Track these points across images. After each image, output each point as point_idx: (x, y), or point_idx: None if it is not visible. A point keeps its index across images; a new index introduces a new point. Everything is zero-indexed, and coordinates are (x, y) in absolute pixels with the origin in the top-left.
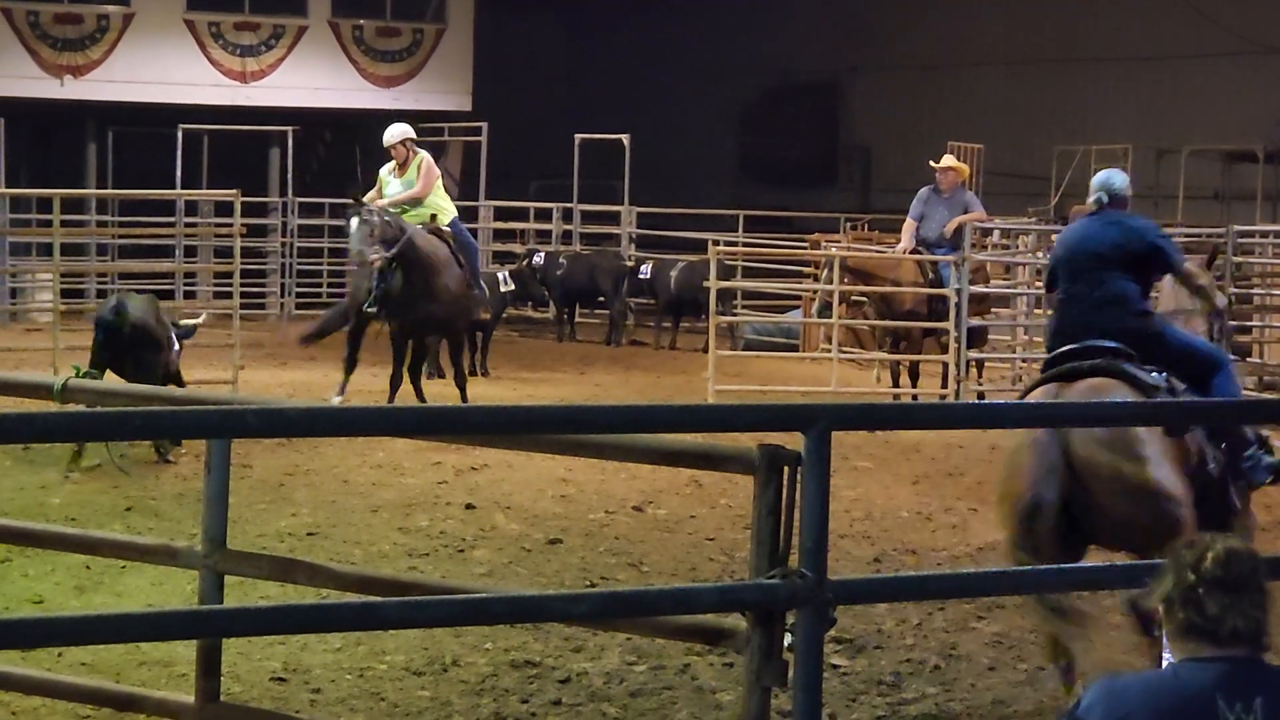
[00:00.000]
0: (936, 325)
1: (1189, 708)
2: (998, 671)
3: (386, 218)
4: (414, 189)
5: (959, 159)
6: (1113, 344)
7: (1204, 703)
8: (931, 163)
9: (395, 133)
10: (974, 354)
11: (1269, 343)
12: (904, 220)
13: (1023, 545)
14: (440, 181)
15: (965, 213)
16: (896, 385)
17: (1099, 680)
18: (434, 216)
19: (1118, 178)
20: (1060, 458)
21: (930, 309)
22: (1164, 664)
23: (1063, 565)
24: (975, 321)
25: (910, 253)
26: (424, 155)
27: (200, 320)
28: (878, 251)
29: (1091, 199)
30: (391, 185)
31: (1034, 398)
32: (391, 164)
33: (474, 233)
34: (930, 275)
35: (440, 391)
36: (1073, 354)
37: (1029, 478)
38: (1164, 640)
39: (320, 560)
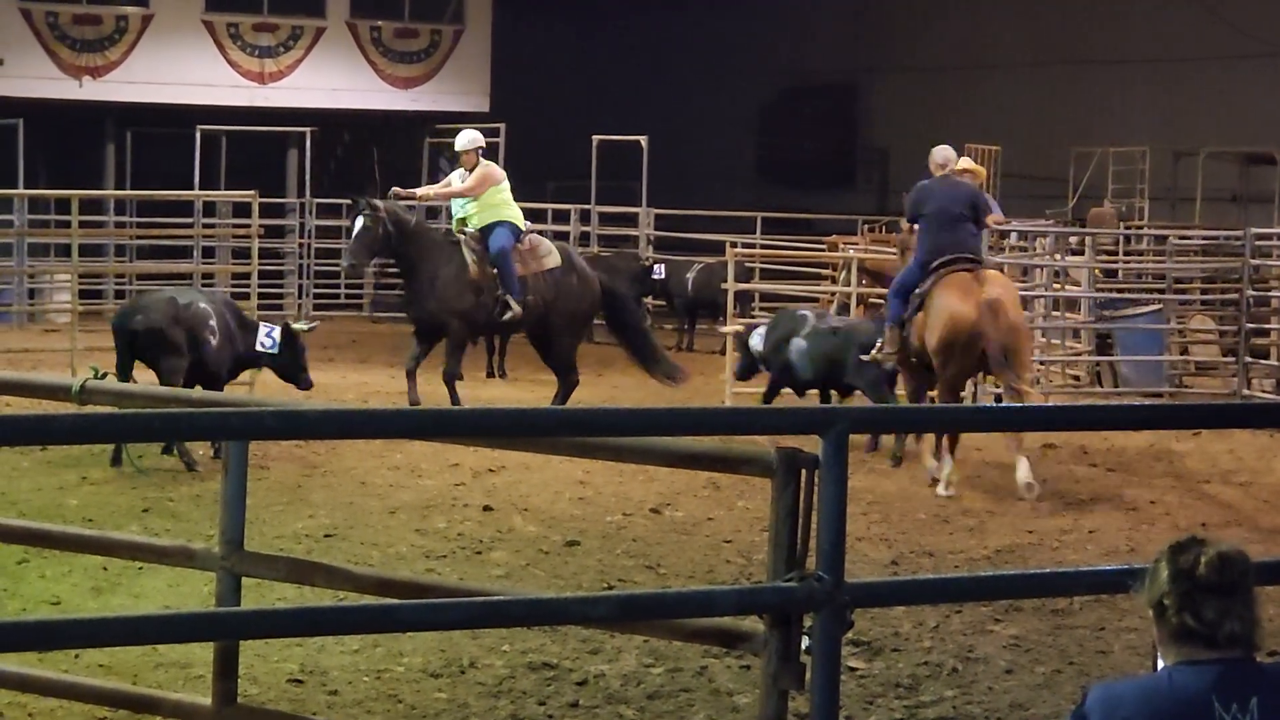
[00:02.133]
0: None
1: (1186, 711)
2: (1015, 674)
3: (395, 219)
4: (458, 186)
5: (976, 161)
6: (971, 255)
7: (1200, 705)
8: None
9: (464, 140)
10: None
11: None
12: None
13: (956, 365)
14: (505, 188)
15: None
16: None
17: (1098, 685)
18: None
19: (952, 153)
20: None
21: None
22: (1158, 668)
23: (1076, 569)
24: None
25: None
26: (485, 163)
27: (307, 326)
28: (892, 253)
29: (948, 168)
30: (459, 186)
31: (954, 281)
32: (462, 170)
33: None
34: None
35: (474, 394)
36: (957, 260)
37: (972, 323)
38: (1156, 645)
39: (338, 562)
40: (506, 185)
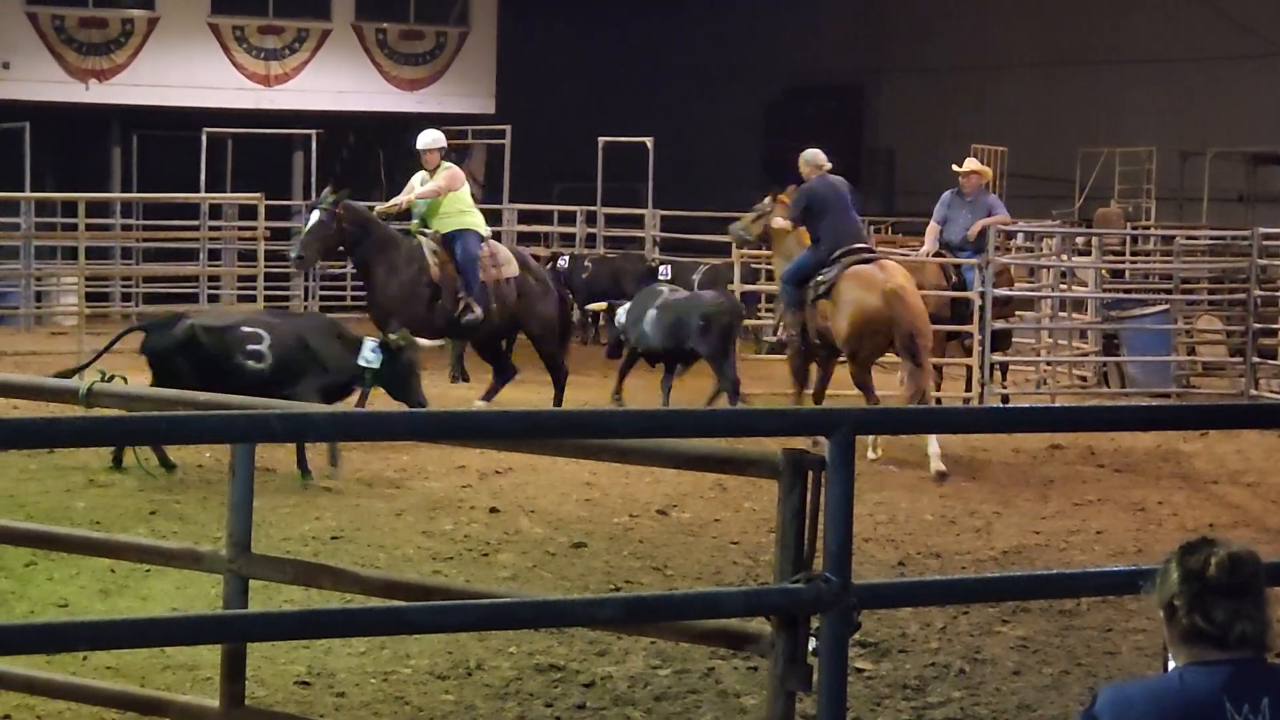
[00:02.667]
0: (960, 328)
1: (1197, 712)
2: (1023, 675)
3: (356, 217)
4: (430, 187)
5: (982, 162)
6: (866, 245)
7: (1211, 706)
8: (955, 167)
9: (427, 139)
10: (998, 357)
11: None
12: (927, 223)
13: (867, 348)
14: (467, 193)
15: (989, 216)
16: None
17: (1108, 686)
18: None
19: (822, 155)
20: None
21: (953, 312)
22: (1168, 669)
23: (1083, 570)
24: (999, 324)
25: (933, 256)
26: (448, 165)
27: (424, 345)
28: (901, 254)
29: (825, 168)
30: (421, 188)
31: (860, 272)
32: (424, 172)
33: (497, 235)
34: (953, 278)
35: (465, 395)
36: (855, 249)
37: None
38: (1166, 646)
39: (345, 564)
40: (468, 190)
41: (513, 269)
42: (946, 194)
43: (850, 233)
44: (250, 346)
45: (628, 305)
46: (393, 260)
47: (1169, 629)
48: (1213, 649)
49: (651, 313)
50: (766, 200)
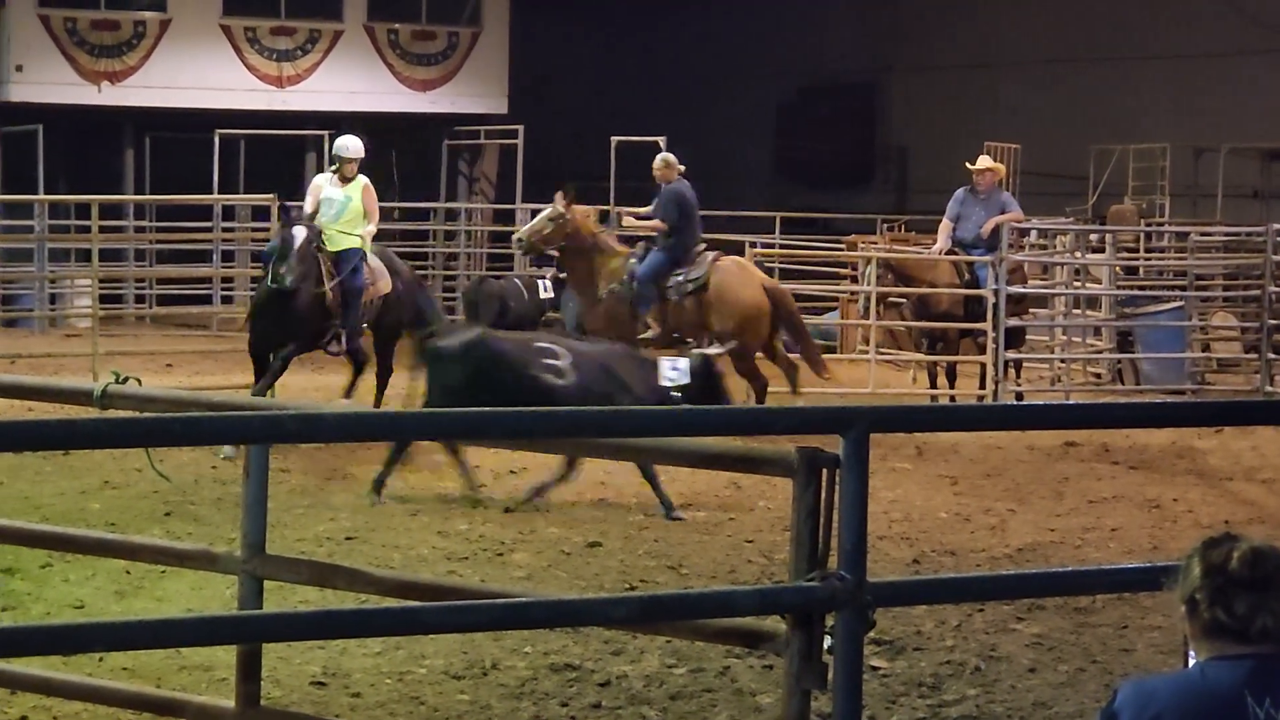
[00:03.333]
0: (973, 326)
1: (1218, 706)
2: (1038, 673)
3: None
4: (372, 223)
5: (995, 159)
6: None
7: (1233, 700)
8: (968, 164)
9: (355, 146)
10: (1012, 355)
11: None
12: (940, 221)
13: (752, 339)
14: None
15: (1002, 213)
16: (934, 386)
17: (1129, 681)
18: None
19: (672, 157)
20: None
21: (967, 310)
22: (1190, 663)
23: (1098, 567)
24: (1013, 322)
25: (947, 253)
26: (365, 178)
27: (717, 350)
28: (915, 252)
29: (682, 169)
30: (330, 193)
31: (730, 269)
32: (332, 175)
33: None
34: (966, 276)
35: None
36: (703, 249)
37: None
38: (1188, 640)
39: (359, 565)
40: None
41: (387, 285)
42: (959, 191)
43: (698, 234)
44: (548, 361)
45: None
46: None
47: (1190, 623)
48: (1234, 643)
49: None
50: (559, 202)
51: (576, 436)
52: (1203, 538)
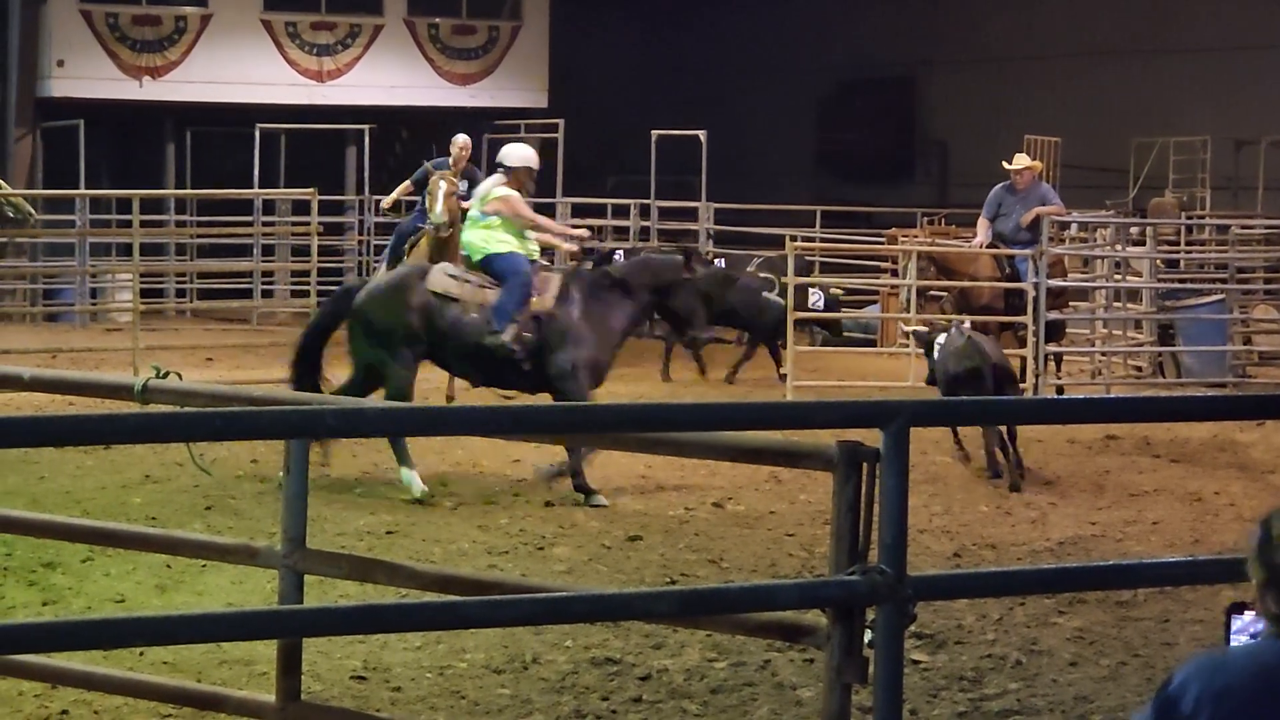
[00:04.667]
0: (1014, 319)
1: None
2: (1079, 667)
3: None
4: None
5: (1035, 153)
6: None
7: None
8: (1005, 164)
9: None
10: (1052, 348)
11: None
12: (980, 215)
13: None
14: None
15: (1043, 205)
16: None
17: (1193, 658)
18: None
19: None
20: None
21: (1007, 303)
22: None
23: (1140, 561)
24: (1053, 315)
25: (988, 247)
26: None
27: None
28: (955, 246)
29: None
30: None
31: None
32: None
33: None
34: (1007, 270)
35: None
36: None
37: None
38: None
39: (400, 559)
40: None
41: None
42: (997, 188)
43: None
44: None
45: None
46: None
47: (1269, 594)
48: None
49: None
50: (438, 180)
51: (619, 431)
52: (1245, 530)
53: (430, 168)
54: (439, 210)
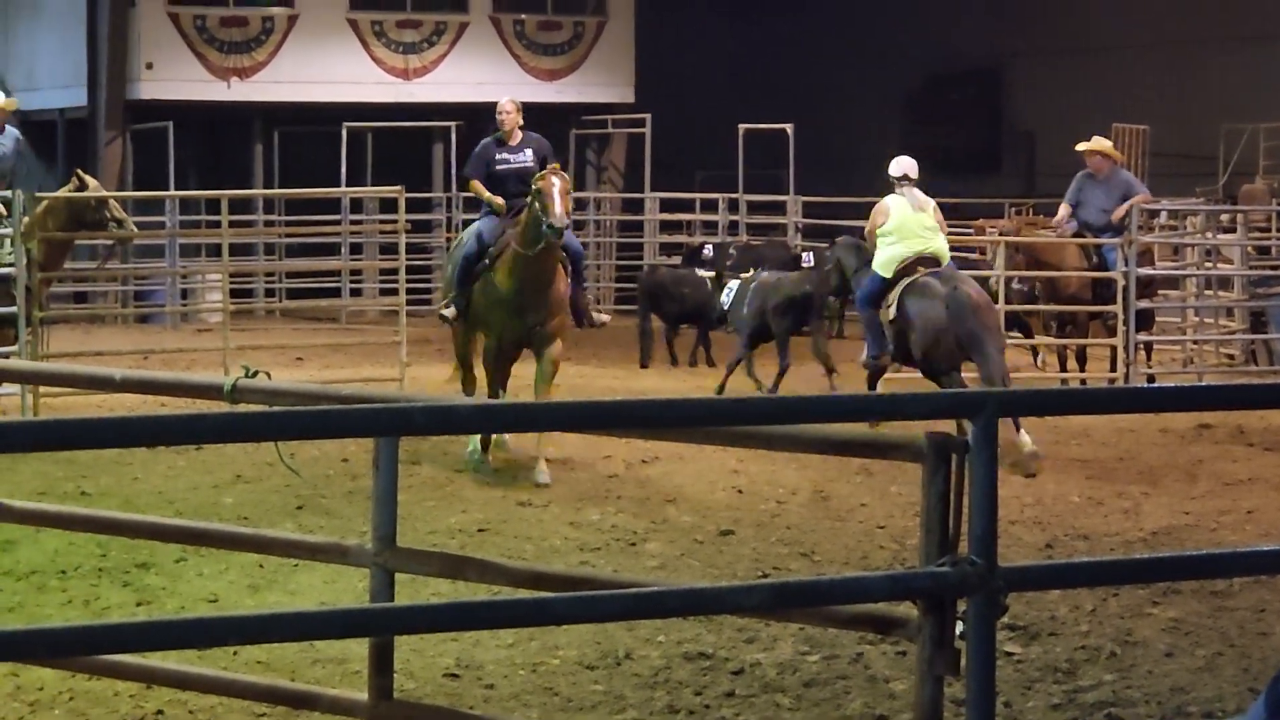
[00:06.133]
0: (1103, 309)
1: None
2: (1175, 658)
3: None
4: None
5: (1123, 141)
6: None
7: None
8: (1077, 147)
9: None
10: (1143, 337)
11: None
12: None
13: None
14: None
15: (1125, 194)
16: (1064, 370)
17: None
18: None
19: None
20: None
21: (1095, 293)
22: None
23: (1235, 550)
24: (1142, 304)
25: (1074, 236)
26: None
27: None
28: (1043, 235)
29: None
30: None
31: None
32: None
33: (640, 224)
34: (1094, 259)
35: (610, 385)
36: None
37: None
38: None
39: (491, 556)
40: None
41: None
42: (1079, 175)
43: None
44: None
45: (734, 284)
46: None
47: None
48: None
49: (746, 294)
50: (551, 176)
51: (707, 425)
52: None
53: (492, 145)
54: (558, 212)
